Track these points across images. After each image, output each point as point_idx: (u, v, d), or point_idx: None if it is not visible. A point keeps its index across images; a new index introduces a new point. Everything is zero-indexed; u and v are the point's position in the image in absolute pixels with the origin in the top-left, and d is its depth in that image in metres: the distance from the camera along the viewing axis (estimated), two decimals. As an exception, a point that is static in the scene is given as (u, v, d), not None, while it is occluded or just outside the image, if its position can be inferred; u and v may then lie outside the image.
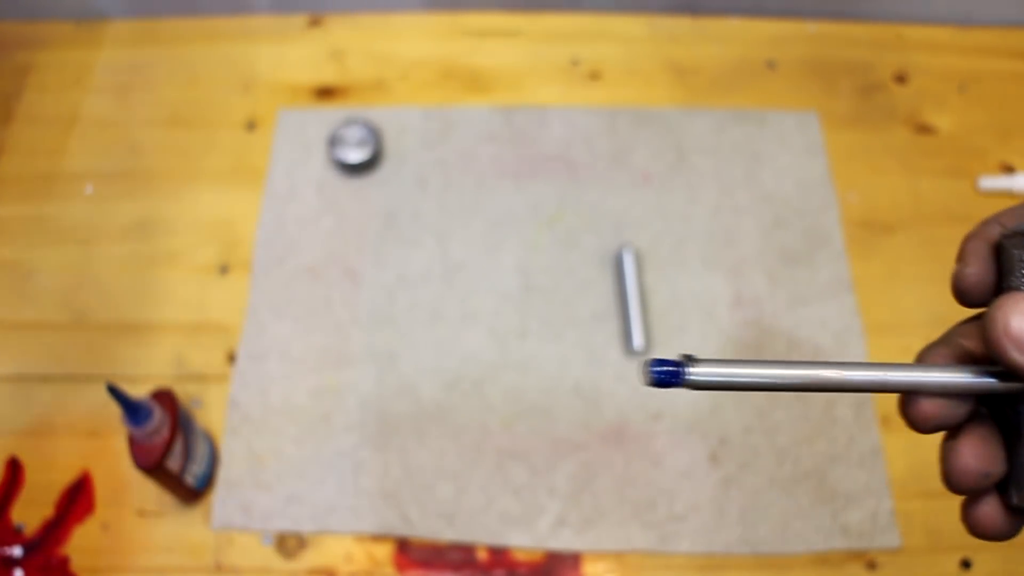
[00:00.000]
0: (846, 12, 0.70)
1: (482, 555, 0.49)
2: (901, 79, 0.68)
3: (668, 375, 0.21)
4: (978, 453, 0.20)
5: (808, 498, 0.50)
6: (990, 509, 0.21)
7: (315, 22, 0.70)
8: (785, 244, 0.59)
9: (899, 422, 0.23)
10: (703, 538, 0.49)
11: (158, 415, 0.46)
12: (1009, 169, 0.63)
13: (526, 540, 0.49)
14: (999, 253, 0.21)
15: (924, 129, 0.65)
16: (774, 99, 0.66)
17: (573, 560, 0.49)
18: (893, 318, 0.57)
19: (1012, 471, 0.20)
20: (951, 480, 0.20)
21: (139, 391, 0.49)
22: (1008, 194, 0.62)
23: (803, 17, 0.70)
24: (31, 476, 0.51)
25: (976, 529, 0.21)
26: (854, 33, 0.70)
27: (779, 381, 0.21)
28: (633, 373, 0.54)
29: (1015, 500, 0.20)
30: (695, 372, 0.21)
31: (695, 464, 0.51)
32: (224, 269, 0.58)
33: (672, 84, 0.67)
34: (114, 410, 0.44)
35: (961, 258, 0.22)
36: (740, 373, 0.21)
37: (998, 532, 0.21)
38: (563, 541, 0.49)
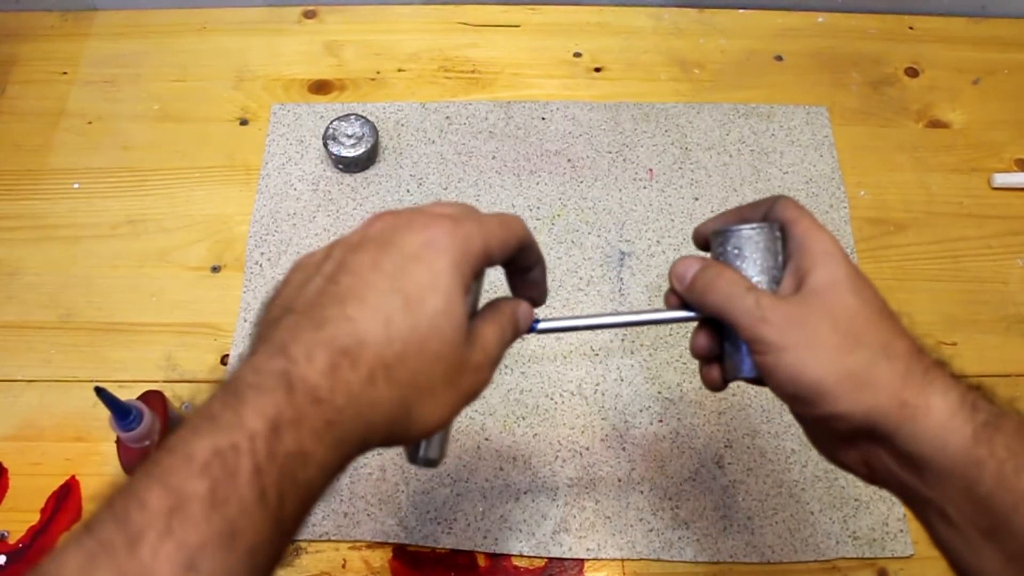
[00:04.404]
0: (856, 3, 0.69)
1: (481, 562, 0.47)
2: (913, 72, 0.66)
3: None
4: (703, 343, 0.32)
5: (817, 504, 0.49)
6: (715, 372, 0.33)
7: (309, 14, 0.69)
8: (793, 242, 0.58)
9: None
10: (709, 545, 0.48)
11: (148, 418, 0.45)
12: (1024, 165, 0.62)
13: (526, 547, 0.48)
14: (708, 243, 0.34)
15: (936, 124, 0.64)
16: (782, 93, 0.65)
17: (575, 567, 0.48)
18: (904, 318, 0.56)
19: (723, 355, 0.33)
20: (692, 352, 0.33)
21: (128, 394, 0.48)
22: (1023, 191, 0.61)
23: (812, 8, 0.69)
24: (16, 481, 0.49)
25: (705, 383, 0.33)
26: (864, 25, 0.69)
27: (584, 324, 0.33)
28: (634, 373, 0.53)
29: (726, 375, 0.33)
30: (542, 324, 0.32)
31: (700, 468, 0.50)
32: (216, 268, 0.57)
33: (676, 78, 0.66)
34: (102, 413, 0.44)
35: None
36: (564, 324, 0.33)
37: (716, 387, 0.33)
38: (564, 548, 0.48)
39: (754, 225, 0.31)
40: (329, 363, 0.23)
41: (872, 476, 0.29)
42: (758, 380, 0.31)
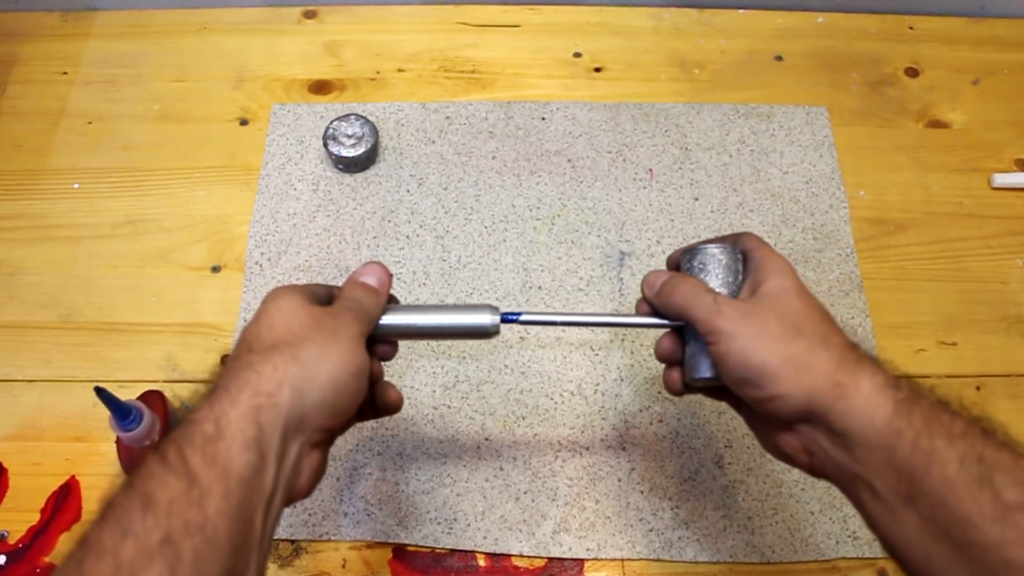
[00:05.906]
0: (856, 3, 0.69)
1: (482, 562, 0.47)
2: (913, 72, 0.67)
3: (512, 316, 0.37)
4: (667, 345, 0.37)
5: (817, 504, 0.49)
6: (675, 375, 0.37)
7: (309, 14, 0.69)
8: (793, 243, 0.58)
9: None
10: (709, 545, 0.48)
11: (148, 418, 0.45)
12: (1024, 165, 0.62)
13: (526, 547, 0.48)
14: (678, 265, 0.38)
15: (936, 124, 0.64)
16: (782, 93, 0.65)
17: (575, 567, 0.48)
18: (904, 318, 0.56)
19: (683, 360, 0.37)
20: (657, 355, 0.38)
21: (128, 394, 0.48)
22: (1023, 191, 0.61)
23: (811, 8, 0.69)
24: (16, 481, 0.49)
25: (666, 386, 0.38)
26: (864, 25, 0.69)
27: (563, 320, 0.38)
28: (634, 373, 0.53)
29: (684, 378, 0.37)
30: (525, 316, 0.37)
31: (700, 468, 0.50)
32: (217, 268, 0.57)
33: (676, 78, 0.66)
34: (102, 413, 0.44)
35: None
36: (545, 317, 0.38)
37: (676, 390, 0.37)
38: (564, 548, 0.48)
39: (718, 245, 0.36)
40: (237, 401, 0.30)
41: (812, 463, 0.33)
42: (714, 385, 0.35)
